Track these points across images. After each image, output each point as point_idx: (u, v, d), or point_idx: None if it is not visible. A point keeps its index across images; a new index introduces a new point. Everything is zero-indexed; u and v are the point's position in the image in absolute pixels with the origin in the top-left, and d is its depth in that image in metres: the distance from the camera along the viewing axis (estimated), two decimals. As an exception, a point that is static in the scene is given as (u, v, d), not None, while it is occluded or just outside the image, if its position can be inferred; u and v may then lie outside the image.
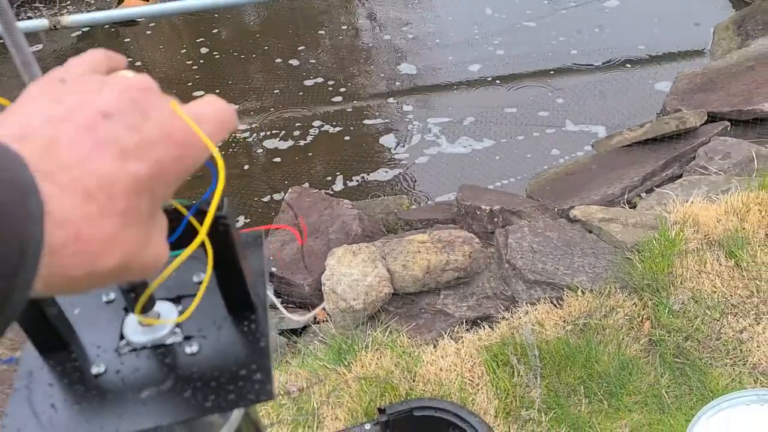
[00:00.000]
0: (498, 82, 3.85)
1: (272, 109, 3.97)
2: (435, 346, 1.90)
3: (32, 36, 5.07)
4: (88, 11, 5.70)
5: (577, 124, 3.35)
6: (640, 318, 1.91)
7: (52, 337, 0.66)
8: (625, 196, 2.39)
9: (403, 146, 3.40)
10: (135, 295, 0.68)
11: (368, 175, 3.26)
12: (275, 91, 4.12)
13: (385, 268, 2.05)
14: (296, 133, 3.66)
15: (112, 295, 0.77)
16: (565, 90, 3.65)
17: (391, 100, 3.88)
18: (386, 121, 3.66)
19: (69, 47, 5.05)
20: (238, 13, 5.27)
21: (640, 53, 3.89)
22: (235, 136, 3.77)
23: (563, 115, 3.43)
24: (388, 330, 1.96)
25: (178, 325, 0.72)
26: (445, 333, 1.93)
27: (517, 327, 1.90)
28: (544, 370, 1.81)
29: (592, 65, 3.84)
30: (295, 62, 4.43)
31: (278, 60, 4.47)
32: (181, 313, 0.73)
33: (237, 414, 0.72)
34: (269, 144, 3.62)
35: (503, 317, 1.96)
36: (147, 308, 0.69)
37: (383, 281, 2.01)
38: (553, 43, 4.11)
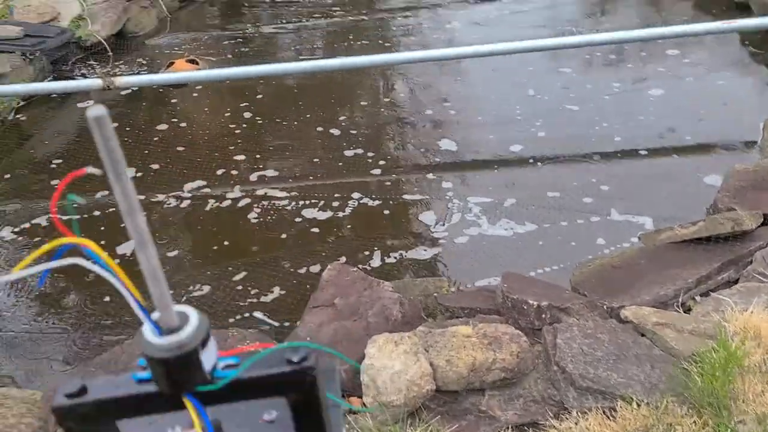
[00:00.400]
0: (540, 164, 3.82)
1: (311, 178, 3.98)
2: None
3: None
4: (140, 72, 5.89)
5: (623, 213, 3.28)
6: (700, 438, 1.79)
7: None
8: (680, 299, 2.30)
9: (443, 224, 3.35)
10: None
11: (406, 252, 3.21)
12: (315, 160, 4.15)
13: (428, 362, 1.97)
14: (335, 204, 3.64)
15: (178, 429, 0.71)
16: (610, 177, 3.60)
17: (430, 175, 3.86)
18: (426, 197, 3.63)
19: (118, 102, 5.18)
20: (282, 81, 5.38)
21: (686, 143, 3.84)
22: (274, 202, 3.77)
23: (608, 203, 3.36)
24: (429, 429, 1.86)
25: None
26: (489, 438, 1.82)
27: (567, 438, 1.79)
28: (596, 489, 1.69)
29: (638, 153, 3.80)
30: (335, 132, 4.48)
31: (319, 128, 4.52)
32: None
33: None
34: (307, 213, 3.61)
35: (552, 425, 1.85)
36: None
37: (426, 376, 1.93)
38: (596, 128, 4.09)
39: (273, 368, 0.57)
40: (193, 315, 0.55)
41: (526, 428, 1.89)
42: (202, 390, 0.55)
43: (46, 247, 0.54)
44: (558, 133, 4.09)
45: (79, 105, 5.23)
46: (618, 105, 4.35)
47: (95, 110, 0.48)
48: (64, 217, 0.67)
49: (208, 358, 0.56)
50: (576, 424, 1.84)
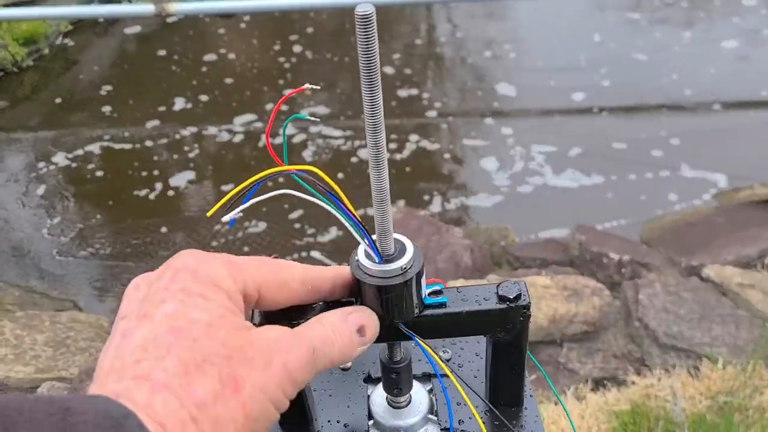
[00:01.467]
0: (604, 113, 3.68)
1: (361, 116, 3.89)
2: (556, 404, 1.77)
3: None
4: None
5: (695, 169, 3.15)
6: (788, 402, 1.74)
7: (297, 410, 0.57)
8: (765, 260, 2.21)
9: (506, 172, 3.26)
10: (397, 376, 0.59)
11: (467, 198, 3.14)
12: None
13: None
14: (392, 145, 3.56)
15: (349, 363, 0.68)
16: (681, 131, 3.45)
17: (489, 120, 3.75)
18: (487, 143, 3.53)
19: (164, 29, 5.09)
20: (333, 15, 5.23)
21: (764, 98, 3.66)
22: (329, 141, 3.70)
23: (679, 158, 3.23)
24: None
25: (430, 408, 0.63)
26: (568, 390, 1.79)
27: (650, 395, 1.75)
28: (679, 448, 1.65)
29: (710, 107, 3.64)
30: (389, 70, 4.35)
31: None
32: (431, 392, 0.64)
33: None
34: (363, 154, 3.54)
35: (633, 381, 1.81)
36: (403, 391, 0.60)
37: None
38: (664, 80, 3.91)
39: (486, 304, 0.53)
40: (409, 243, 0.51)
41: (605, 382, 1.85)
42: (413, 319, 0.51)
43: (258, 176, 0.49)
44: (623, 83, 3.92)
45: (127, 31, 5.15)
46: (689, 57, 4.14)
47: (364, 7, 0.41)
48: (276, 142, 0.61)
49: (423, 286, 0.52)
50: (658, 380, 1.79)
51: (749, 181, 2.78)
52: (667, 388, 1.77)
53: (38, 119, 4.13)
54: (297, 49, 4.80)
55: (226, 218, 0.46)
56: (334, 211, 0.49)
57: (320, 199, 0.50)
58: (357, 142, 3.62)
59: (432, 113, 3.82)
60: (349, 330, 0.42)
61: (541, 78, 4.11)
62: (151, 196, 3.34)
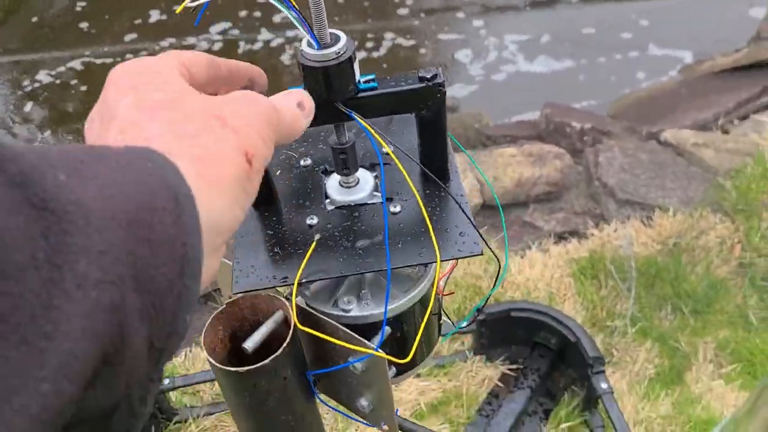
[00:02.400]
0: (575, 1, 3.72)
1: (336, 19, 3.91)
2: (522, 257, 1.95)
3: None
4: None
5: (662, 47, 3.24)
6: (731, 242, 1.92)
7: (265, 191, 0.71)
8: (719, 122, 2.35)
9: (480, 62, 3.34)
10: (345, 156, 0.72)
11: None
12: (338, 0, 4.05)
13: (475, 179, 2.08)
14: (369, 44, 3.62)
15: (309, 161, 0.82)
16: (648, 12, 3.51)
17: (460, 14, 3.78)
18: (461, 36, 3.59)
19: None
20: None
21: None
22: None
23: (647, 38, 3.31)
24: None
25: (375, 188, 0.77)
26: (533, 245, 1.97)
27: (606, 243, 1.93)
28: (630, 285, 1.85)
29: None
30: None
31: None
32: (376, 178, 0.78)
33: (433, 268, 0.77)
34: (342, 53, 3.59)
35: (592, 233, 1.99)
36: (351, 171, 0.73)
37: (474, 191, 2.05)
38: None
39: (408, 84, 0.65)
40: (342, 34, 0.62)
41: (567, 236, 2.03)
42: (350, 99, 0.63)
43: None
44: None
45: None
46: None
47: None
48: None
49: (356, 73, 0.64)
50: (615, 231, 1.97)
51: (711, 54, 2.87)
52: (622, 235, 1.95)
53: (17, 42, 4.14)
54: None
55: (191, 3, 0.57)
56: (280, 6, 0.61)
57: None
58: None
59: (403, 11, 3.84)
60: (291, 103, 0.44)
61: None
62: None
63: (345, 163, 0.72)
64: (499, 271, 1.30)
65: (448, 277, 0.84)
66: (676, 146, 2.22)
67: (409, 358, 0.71)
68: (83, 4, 4.34)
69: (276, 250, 0.71)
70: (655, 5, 3.58)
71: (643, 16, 3.49)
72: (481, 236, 0.68)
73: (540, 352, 1.67)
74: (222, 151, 0.33)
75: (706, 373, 1.70)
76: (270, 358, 0.64)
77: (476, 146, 2.58)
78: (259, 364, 0.64)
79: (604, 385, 1.47)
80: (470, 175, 2.08)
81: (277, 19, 3.94)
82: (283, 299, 0.70)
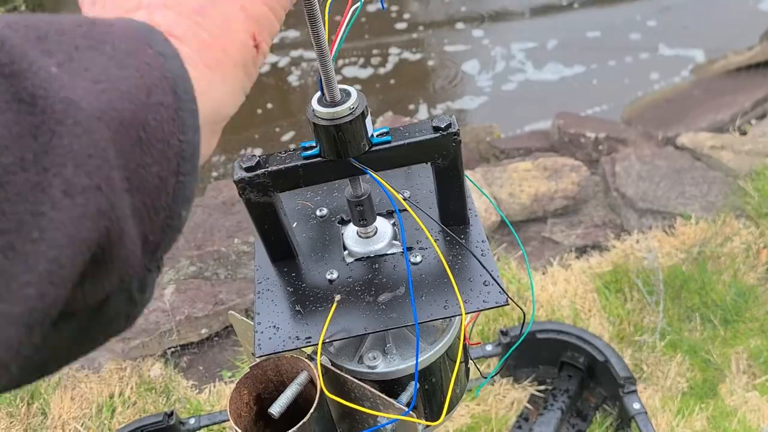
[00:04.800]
0: (575, 5, 3.68)
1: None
2: (544, 273, 1.92)
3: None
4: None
5: (673, 47, 3.20)
6: (757, 246, 1.88)
7: (284, 246, 0.70)
8: (736, 123, 2.30)
9: (488, 73, 3.32)
10: (362, 208, 0.71)
11: (453, 102, 3.21)
12: (336, 18, 4.04)
13: (492, 197, 2.05)
14: (375, 60, 3.61)
15: (325, 211, 0.80)
16: (656, 12, 3.47)
17: (459, 25, 3.76)
18: (467, 47, 3.57)
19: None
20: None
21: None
22: (312, 63, 3.75)
23: (657, 39, 3.27)
24: (497, 257, 1.98)
25: (393, 236, 0.75)
26: (554, 260, 1.94)
27: (629, 255, 1.89)
28: (658, 297, 1.81)
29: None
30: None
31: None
32: (394, 225, 0.76)
33: (461, 321, 0.75)
34: (348, 72, 3.59)
35: (613, 245, 1.95)
36: (368, 222, 0.72)
37: (490, 208, 2.02)
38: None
39: (423, 135, 0.63)
40: (353, 90, 0.61)
41: (588, 249, 1.99)
42: (363, 154, 0.62)
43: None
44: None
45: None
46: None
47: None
48: None
49: (368, 127, 0.62)
50: (637, 242, 1.93)
51: (725, 52, 2.83)
52: (645, 247, 1.91)
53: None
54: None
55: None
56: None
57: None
58: (340, 62, 3.67)
59: (401, 25, 3.83)
60: None
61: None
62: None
63: (362, 214, 0.71)
64: (524, 320, 1.27)
65: (473, 324, 0.82)
66: (694, 150, 2.18)
67: (441, 420, 0.69)
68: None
69: (297, 308, 0.69)
70: (659, 4, 3.54)
71: (650, 17, 3.45)
72: (502, 288, 0.66)
73: (568, 372, 1.63)
74: (228, 33, 0.31)
75: (740, 385, 1.66)
76: (297, 426, 0.62)
77: (489, 160, 2.55)
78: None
79: (636, 406, 1.43)
80: (486, 193, 2.05)
81: (276, 39, 3.95)
82: (307, 360, 0.69)
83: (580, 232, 2.01)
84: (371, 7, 4.03)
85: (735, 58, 2.65)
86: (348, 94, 0.60)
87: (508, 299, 0.66)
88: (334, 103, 0.59)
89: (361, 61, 3.62)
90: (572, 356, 1.60)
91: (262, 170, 0.64)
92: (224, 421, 1.58)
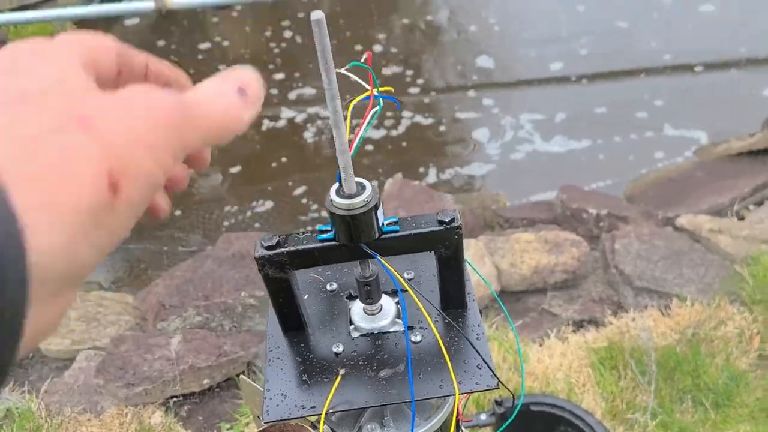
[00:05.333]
0: (584, 81, 3.82)
1: (348, 96, 4.05)
2: (541, 345, 1.96)
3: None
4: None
5: (677, 128, 3.30)
6: (750, 332, 1.92)
7: (296, 318, 0.76)
8: (734, 208, 2.37)
9: (497, 141, 3.43)
10: (369, 288, 0.77)
11: (462, 168, 3.31)
12: (351, 79, 4.20)
13: (493, 266, 2.11)
14: (388, 122, 3.73)
15: (335, 285, 0.87)
16: (662, 92, 3.59)
17: (471, 93, 3.90)
18: (478, 115, 3.69)
19: (158, 20, 5.26)
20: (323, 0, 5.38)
21: (741, 56, 3.79)
22: (326, 122, 3.88)
23: (662, 118, 3.38)
24: (495, 326, 2.03)
25: (396, 314, 0.81)
26: (552, 333, 1.98)
27: (624, 332, 1.93)
28: (652, 378, 1.84)
29: (691, 68, 3.77)
30: (375, 48, 4.51)
31: (358, 47, 4.55)
32: (397, 303, 0.83)
33: (454, 400, 0.80)
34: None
35: (610, 322, 2.00)
36: (374, 300, 0.78)
37: (491, 277, 2.08)
38: (643, 46, 4.03)
39: (428, 227, 0.71)
40: (368, 184, 0.68)
41: (585, 324, 2.04)
42: (374, 241, 0.69)
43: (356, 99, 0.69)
44: (605, 50, 4.05)
45: (127, 23, 5.36)
46: (667, 22, 4.27)
47: (317, 14, 0.59)
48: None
49: (379, 217, 0.70)
50: (633, 320, 1.98)
51: (728, 135, 2.92)
52: (641, 325, 1.95)
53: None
54: (287, 34, 4.96)
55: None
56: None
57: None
58: (354, 121, 3.79)
59: (414, 89, 3.98)
60: (227, 89, 0.34)
61: (522, 49, 4.25)
62: (164, 183, 3.54)
63: (369, 294, 0.77)
64: (513, 402, 1.32)
65: (466, 402, 0.87)
66: (692, 232, 2.24)
67: (436, 501, 0.73)
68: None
69: (304, 378, 0.75)
70: (668, 85, 3.67)
71: (657, 96, 3.58)
72: (493, 373, 0.72)
73: (560, 446, 1.66)
74: (70, 166, 0.25)
75: (730, 470, 1.68)
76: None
77: (494, 228, 2.63)
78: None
79: (625, 486, 1.45)
80: (488, 262, 2.12)
81: (293, 96, 4.10)
82: (310, 428, 0.74)
83: (578, 307, 2.06)
84: (387, 70, 4.19)
85: (737, 143, 2.74)
86: (363, 188, 0.67)
87: (499, 383, 0.71)
88: (350, 196, 0.66)
89: (375, 122, 3.74)
90: (565, 430, 1.63)
91: (281, 250, 0.71)
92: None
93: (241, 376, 0.84)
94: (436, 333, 0.76)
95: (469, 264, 0.81)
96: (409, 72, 4.18)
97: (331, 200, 0.67)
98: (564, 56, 4.03)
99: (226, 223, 3.23)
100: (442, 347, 0.74)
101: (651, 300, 2.02)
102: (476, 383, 0.71)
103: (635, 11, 4.40)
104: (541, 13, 4.64)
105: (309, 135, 3.76)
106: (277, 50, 4.74)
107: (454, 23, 4.84)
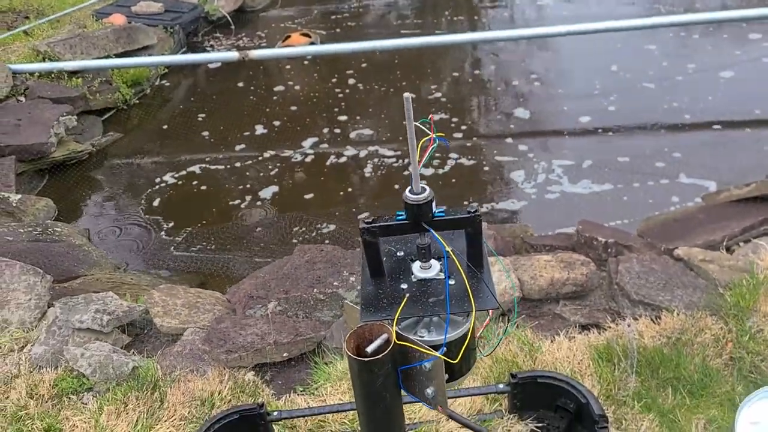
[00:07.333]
0: (610, 133, 4.33)
1: (401, 138, 4.66)
2: (552, 341, 2.44)
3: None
4: (260, 45, 6.71)
5: (690, 177, 3.77)
6: (725, 339, 2.36)
7: (379, 268, 1.31)
8: (724, 243, 2.82)
9: (530, 182, 3.95)
10: (425, 251, 1.31)
11: (497, 203, 3.84)
12: (404, 122, 4.80)
13: (517, 279, 2.62)
14: (436, 162, 4.30)
15: (402, 252, 1.42)
16: (683, 146, 4.07)
17: (509, 140, 4.45)
18: (515, 159, 4.24)
19: (240, 67, 6.00)
20: (384, 52, 6.05)
21: (755, 117, 4.24)
22: (383, 160, 4.47)
23: (678, 168, 3.86)
24: (516, 325, 2.52)
25: (440, 270, 1.35)
26: (561, 333, 2.46)
27: (621, 335, 2.40)
28: (641, 370, 2.30)
29: (711, 126, 4.24)
30: (428, 96, 5.14)
31: (412, 95, 5.16)
32: (440, 263, 1.36)
33: (471, 316, 1.33)
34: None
35: (609, 326, 2.47)
36: (427, 259, 1.33)
37: (515, 287, 2.58)
38: (665, 106, 4.54)
39: (461, 214, 1.25)
40: (428, 188, 1.23)
41: (589, 327, 2.51)
42: (429, 221, 1.23)
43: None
44: (629, 108, 4.57)
45: (210, 66, 6.15)
46: (689, 85, 4.76)
47: (407, 94, 1.15)
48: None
49: (433, 207, 1.25)
50: (628, 326, 2.44)
51: (733, 184, 3.38)
52: (634, 329, 2.42)
53: (147, 146, 5.06)
54: (351, 81, 5.64)
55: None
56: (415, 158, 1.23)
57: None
58: (407, 160, 4.39)
59: (458, 135, 4.55)
60: None
61: (557, 103, 4.81)
62: (243, 205, 4.17)
63: (424, 255, 1.32)
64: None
65: (483, 328, 1.40)
66: (687, 261, 2.70)
67: (457, 360, 1.25)
68: (203, 115, 5.28)
69: (384, 301, 1.29)
70: (685, 138, 4.15)
71: (676, 150, 4.05)
72: (496, 300, 1.24)
73: (561, 414, 2.13)
74: None
75: (699, 445, 2.11)
76: (382, 354, 1.21)
77: (521, 252, 3.13)
78: (375, 357, 1.20)
79: (606, 439, 1.91)
80: (513, 276, 2.62)
81: (353, 135, 4.73)
82: (387, 326, 1.28)
83: (585, 313, 2.54)
84: (435, 116, 4.80)
85: (736, 191, 3.19)
86: (424, 189, 1.23)
87: (498, 304, 1.24)
88: (417, 193, 1.21)
89: (432, 158, 4.32)
90: (564, 402, 2.10)
91: (375, 224, 1.26)
92: (299, 417, 2.13)
93: (345, 301, 1.39)
94: (464, 276, 1.30)
95: (488, 246, 1.35)
96: (455, 119, 4.77)
97: (406, 195, 1.23)
98: (594, 111, 4.56)
99: (294, 241, 3.81)
100: (467, 284, 1.28)
101: (645, 311, 2.49)
102: (485, 305, 1.24)
103: (662, 74, 4.92)
104: (579, 72, 5.20)
105: (368, 170, 4.35)
106: (341, 95, 5.42)
107: (499, 77, 5.44)
